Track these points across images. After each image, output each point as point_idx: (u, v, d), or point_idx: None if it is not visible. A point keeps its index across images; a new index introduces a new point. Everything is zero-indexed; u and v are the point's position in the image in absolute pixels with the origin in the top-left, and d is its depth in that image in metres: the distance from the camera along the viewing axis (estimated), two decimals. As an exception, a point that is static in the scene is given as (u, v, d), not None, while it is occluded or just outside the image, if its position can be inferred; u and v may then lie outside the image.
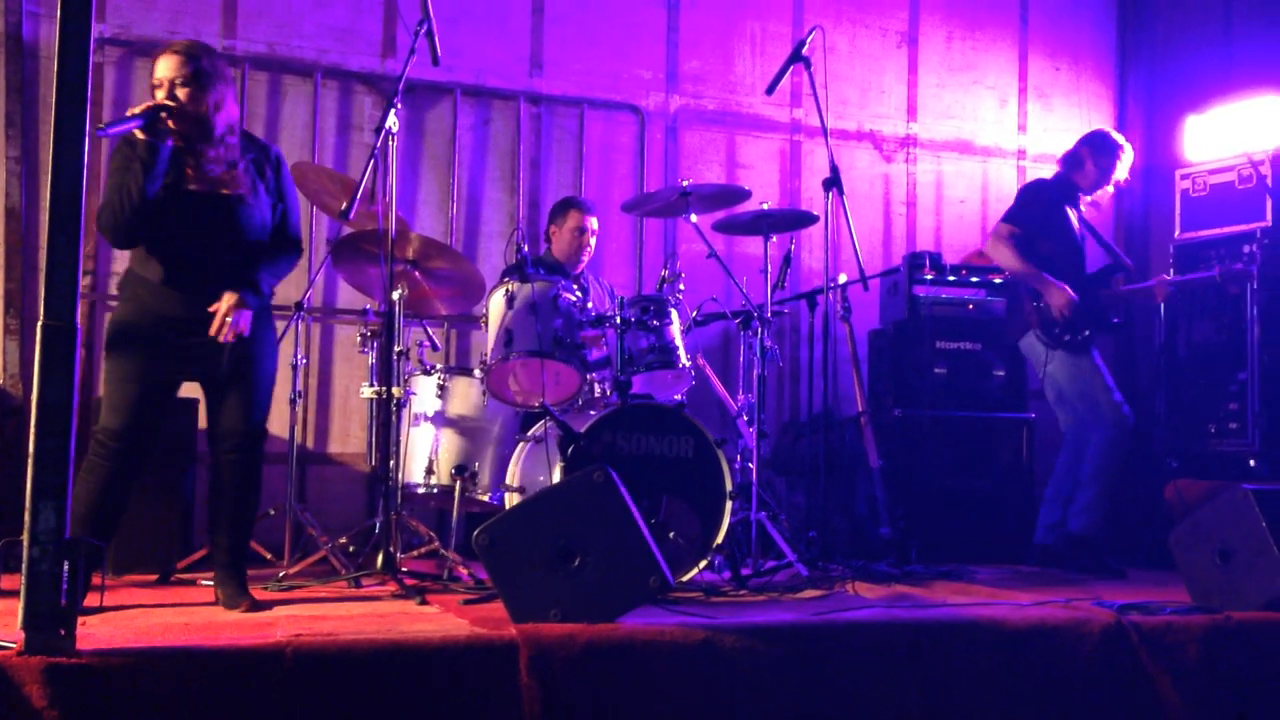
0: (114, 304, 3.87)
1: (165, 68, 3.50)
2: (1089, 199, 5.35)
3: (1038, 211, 5.15)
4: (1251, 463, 5.53)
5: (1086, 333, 5.06)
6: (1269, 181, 5.71)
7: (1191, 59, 6.81)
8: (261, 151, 3.74)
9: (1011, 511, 5.68)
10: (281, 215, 3.76)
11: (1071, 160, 5.30)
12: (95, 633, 2.94)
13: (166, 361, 3.56)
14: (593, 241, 5.41)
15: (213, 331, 3.52)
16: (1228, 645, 3.54)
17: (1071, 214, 5.22)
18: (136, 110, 3.41)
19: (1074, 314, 4.95)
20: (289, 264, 3.82)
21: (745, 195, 4.93)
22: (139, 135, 3.41)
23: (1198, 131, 6.30)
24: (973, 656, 3.34)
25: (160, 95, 3.48)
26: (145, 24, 5.36)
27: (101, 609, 3.37)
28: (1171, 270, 6.01)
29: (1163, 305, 5.97)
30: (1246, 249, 5.68)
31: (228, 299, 3.54)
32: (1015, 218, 5.14)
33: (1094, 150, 5.26)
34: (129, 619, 3.35)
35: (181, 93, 3.48)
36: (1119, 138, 5.36)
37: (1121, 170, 5.31)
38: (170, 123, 3.45)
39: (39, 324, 2.59)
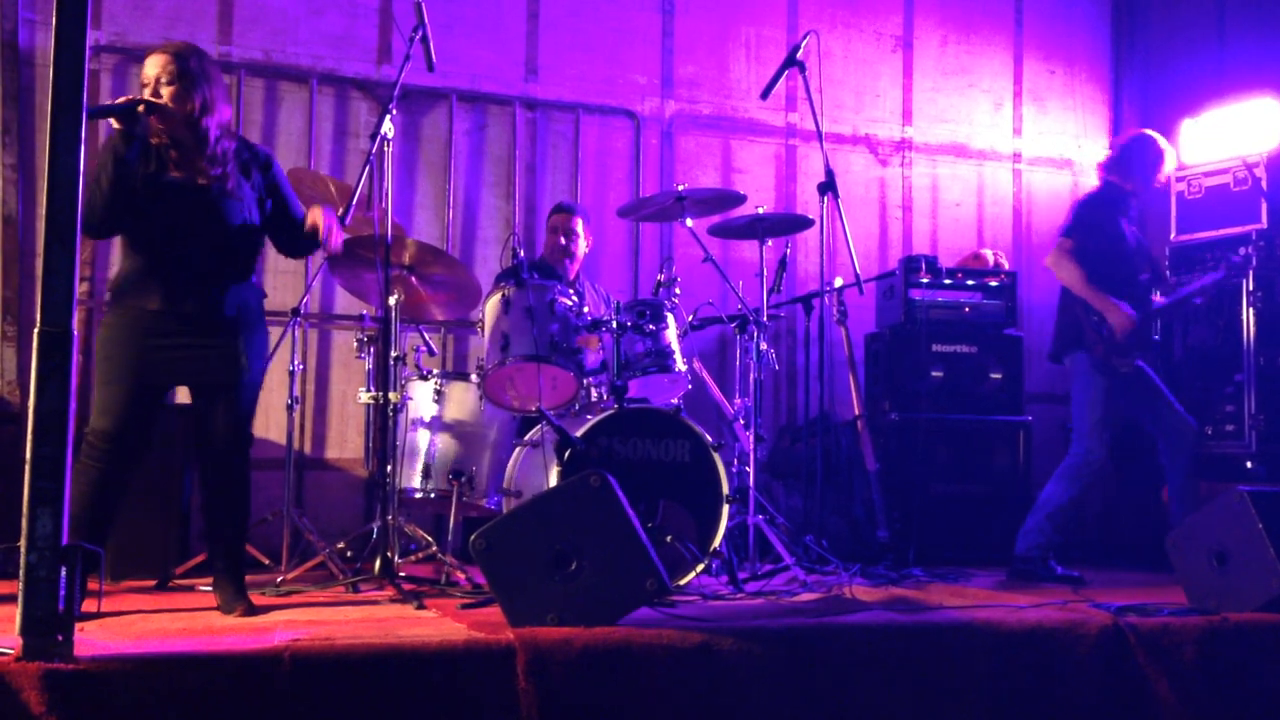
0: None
1: (153, 66, 3.55)
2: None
3: (1093, 224, 5.01)
4: (1248, 464, 5.54)
5: (1137, 358, 4.93)
6: (1264, 184, 5.72)
7: (1186, 62, 6.82)
8: (251, 153, 3.76)
9: (1008, 514, 5.67)
10: (282, 208, 3.79)
11: (1115, 165, 5.14)
12: (93, 638, 2.94)
13: (154, 363, 3.56)
14: (576, 243, 5.40)
15: (321, 235, 3.69)
16: (1224, 647, 3.54)
17: (1125, 225, 5.09)
18: (119, 100, 3.47)
19: (1135, 334, 4.86)
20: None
21: (741, 200, 4.94)
22: (115, 125, 3.43)
23: (1193, 134, 6.32)
24: (970, 659, 3.34)
25: (147, 93, 3.52)
26: (141, 31, 5.37)
27: (99, 614, 3.37)
28: (1167, 273, 6.02)
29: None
30: (1242, 251, 5.69)
31: (315, 212, 3.72)
32: (1072, 231, 5.00)
33: (1139, 154, 5.12)
34: (127, 624, 3.35)
35: (166, 91, 3.52)
36: (1159, 139, 5.20)
37: (1169, 165, 5.19)
38: (152, 119, 3.49)
39: (36, 331, 2.59)
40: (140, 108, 3.46)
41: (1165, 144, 5.20)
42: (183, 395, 3.87)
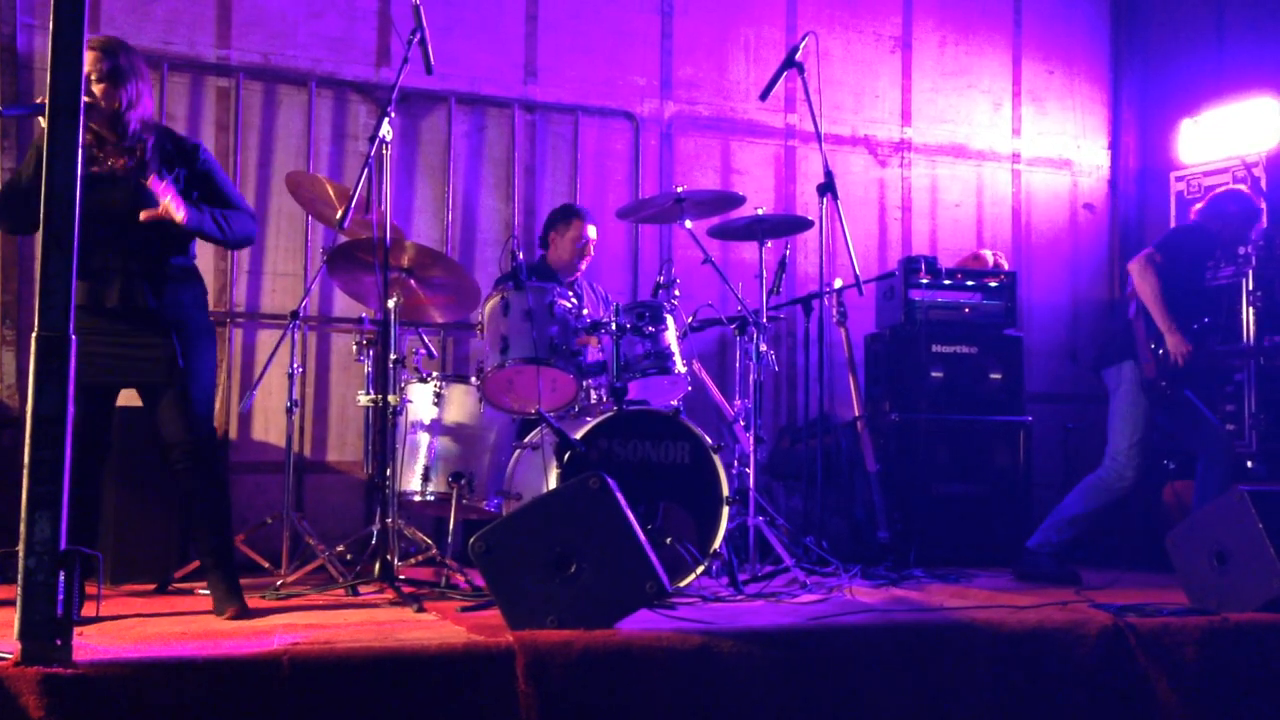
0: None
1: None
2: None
3: (1179, 250, 4.98)
4: (1249, 464, 5.54)
5: (1185, 389, 4.91)
6: (1263, 184, 5.72)
7: (1184, 62, 6.83)
8: (176, 144, 3.73)
9: (1008, 515, 5.69)
10: (210, 195, 3.72)
11: (1209, 212, 5.14)
12: (92, 643, 2.94)
13: (96, 364, 3.54)
14: (593, 250, 5.45)
15: (145, 216, 3.50)
16: (1225, 646, 3.54)
17: (1206, 268, 5.12)
18: (43, 99, 3.45)
19: (1185, 367, 4.82)
20: (239, 219, 3.76)
21: (740, 201, 4.94)
22: (42, 122, 3.43)
23: (1191, 134, 6.33)
24: (971, 660, 3.34)
25: None
26: (140, 35, 5.36)
27: (98, 619, 3.36)
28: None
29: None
30: (1241, 251, 5.69)
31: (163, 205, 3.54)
32: (1162, 247, 4.96)
33: (1232, 209, 5.13)
34: (126, 629, 3.35)
35: (97, 88, 3.54)
36: (1257, 201, 5.21)
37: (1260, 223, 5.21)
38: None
39: (34, 335, 2.59)
40: None
41: (1259, 208, 5.20)
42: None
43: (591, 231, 5.42)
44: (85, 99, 3.44)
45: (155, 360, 3.62)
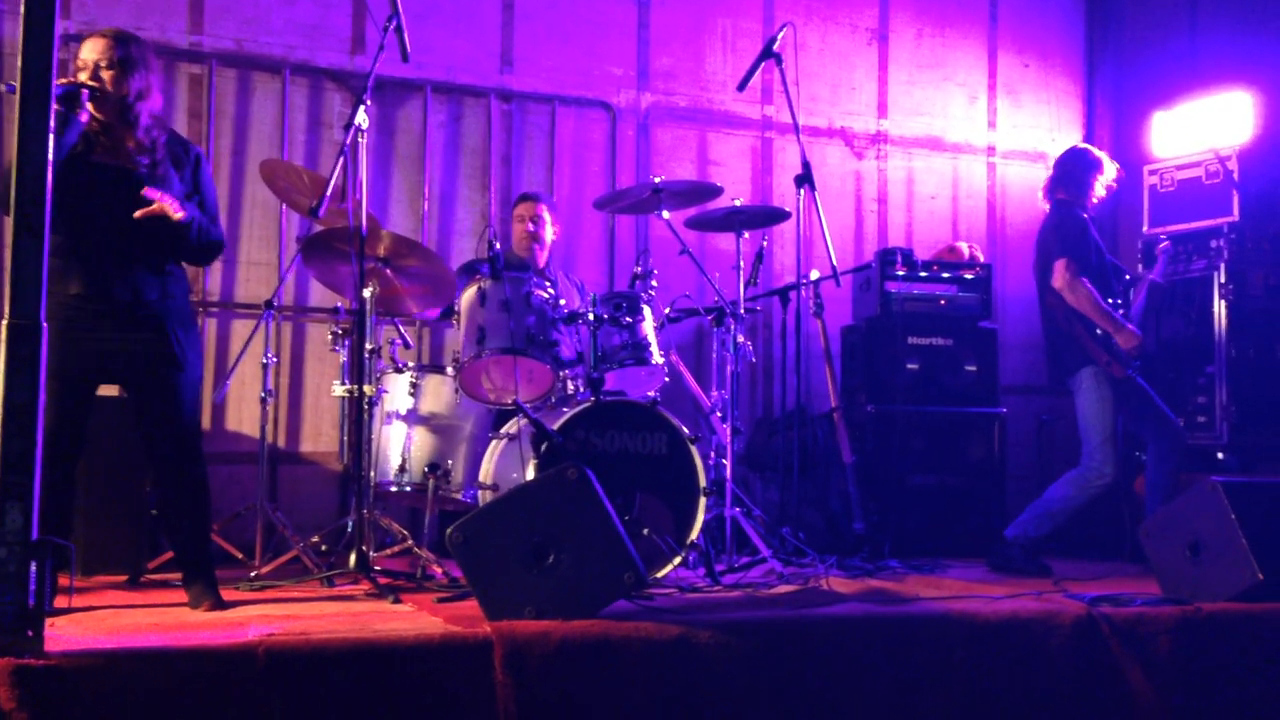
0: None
1: (91, 50, 3.53)
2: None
3: (1077, 241, 5.01)
4: (1220, 455, 5.59)
5: (1137, 363, 5.01)
6: (1235, 176, 5.76)
7: (1159, 55, 6.86)
8: (182, 147, 3.74)
9: (983, 506, 5.72)
10: (197, 208, 3.70)
11: (1059, 184, 5.19)
12: (64, 634, 2.91)
13: (79, 357, 3.50)
14: (543, 228, 5.40)
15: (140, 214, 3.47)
16: (1198, 636, 3.58)
17: (1097, 240, 5.15)
18: (60, 82, 3.41)
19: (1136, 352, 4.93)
20: (215, 231, 3.74)
21: (717, 192, 4.93)
22: (55, 106, 3.41)
23: (1165, 127, 6.36)
24: (946, 650, 3.36)
25: (84, 77, 3.49)
26: (110, 20, 5.28)
27: (71, 610, 3.34)
28: (1140, 265, 6.06)
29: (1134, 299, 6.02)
30: (1214, 244, 5.73)
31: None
32: (1067, 252, 4.97)
33: (1075, 167, 5.18)
34: (98, 620, 3.32)
35: (106, 75, 3.51)
36: (1092, 149, 5.28)
37: (1108, 174, 5.21)
38: (90, 104, 3.46)
39: (4, 323, 2.56)
40: (82, 91, 3.43)
41: (1100, 153, 5.24)
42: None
43: (542, 211, 5.39)
44: (94, 84, 3.46)
45: (149, 353, 3.57)
